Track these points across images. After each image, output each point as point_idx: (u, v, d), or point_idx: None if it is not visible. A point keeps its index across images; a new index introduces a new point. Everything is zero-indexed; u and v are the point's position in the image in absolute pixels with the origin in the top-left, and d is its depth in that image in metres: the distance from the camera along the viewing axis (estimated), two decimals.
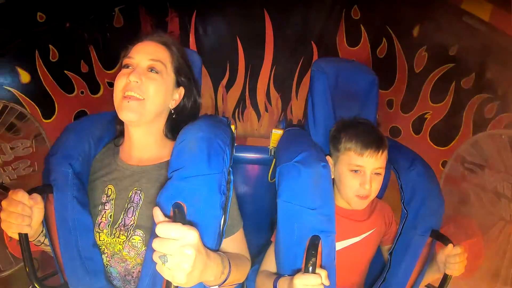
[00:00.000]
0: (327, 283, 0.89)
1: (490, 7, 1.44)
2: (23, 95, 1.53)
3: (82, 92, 1.77)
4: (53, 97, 1.65)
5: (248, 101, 2.19)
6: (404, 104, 1.91)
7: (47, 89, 1.63)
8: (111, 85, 1.85)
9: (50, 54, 1.61)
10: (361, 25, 2.02)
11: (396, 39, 1.90)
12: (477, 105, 1.57)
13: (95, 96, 1.84)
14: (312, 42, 2.11)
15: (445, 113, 1.73)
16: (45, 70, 1.60)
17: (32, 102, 1.57)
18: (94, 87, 1.83)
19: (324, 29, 2.07)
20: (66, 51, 1.67)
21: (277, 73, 2.17)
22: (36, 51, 1.56)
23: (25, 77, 1.54)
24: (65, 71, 1.70)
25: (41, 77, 1.59)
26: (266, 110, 2.20)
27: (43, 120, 1.62)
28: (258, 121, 2.21)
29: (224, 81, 2.17)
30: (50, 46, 1.61)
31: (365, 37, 2.03)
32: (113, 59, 1.86)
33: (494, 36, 1.45)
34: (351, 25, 2.03)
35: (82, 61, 1.77)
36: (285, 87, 2.18)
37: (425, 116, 1.81)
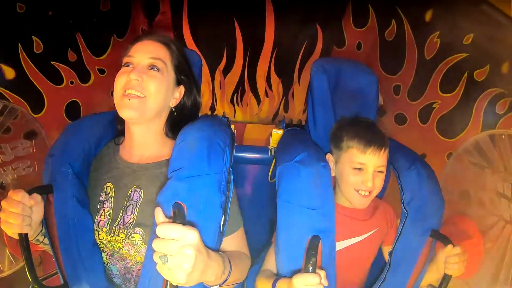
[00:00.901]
0: (326, 283, 0.91)
1: None
2: (9, 92, 1.46)
3: (71, 82, 1.69)
4: (41, 90, 1.57)
5: (247, 86, 2.11)
6: (411, 91, 1.83)
7: (34, 83, 1.55)
8: (102, 72, 1.77)
9: (34, 46, 1.51)
10: (369, 5, 1.88)
11: (406, 22, 1.78)
12: (489, 99, 1.50)
13: (86, 84, 1.75)
14: (316, 23, 1.97)
15: (455, 104, 1.65)
16: (30, 63, 1.51)
17: (20, 98, 1.50)
18: (84, 76, 1.75)
19: (330, 9, 1.93)
20: (51, 41, 1.56)
21: (279, 56, 2.06)
22: (19, 44, 1.46)
23: (9, 73, 1.46)
24: (52, 62, 1.61)
25: (26, 71, 1.50)
26: (266, 95, 2.12)
27: (33, 115, 1.56)
28: (258, 106, 2.14)
29: (221, 65, 2.06)
30: (34, 37, 1.50)
31: (373, 18, 1.90)
32: (102, 45, 1.78)
33: None
34: (359, 5, 1.90)
35: (69, 49, 1.67)
36: (286, 72, 2.09)
37: (433, 106, 1.73)
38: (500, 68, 1.44)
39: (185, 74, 1.11)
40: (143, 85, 0.98)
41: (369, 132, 1.20)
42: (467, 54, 1.56)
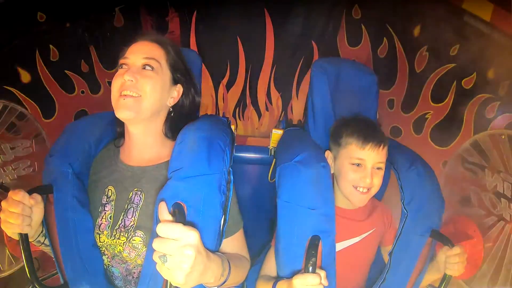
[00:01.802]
0: (326, 283, 0.90)
1: (491, 7, 1.43)
2: (23, 95, 1.53)
3: (82, 92, 1.77)
4: (53, 96, 1.65)
5: (248, 100, 2.18)
6: (405, 104, 1.90)
7: (48, 89, 1.63)
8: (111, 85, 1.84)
9: (51, 54, 1.61)
10: (362, 24, 2.00)
11: (397, 38, 1.89)
12: (478, 105, 1.56)
13: (96, 95, 1.83)
14: (312, 41, 2.10)
15: (446, 113, 1.72)
16: (46, 70, 1.60)
17: (33, 102, 1.57)
18: (94, 87, 1.83)
19: (325, 29, 2.05)
20: (67, 51, 1.66)
21: (278, 72, 2.15)
22: (37, 51, 1.56)
23: (25, 77, 1.54)
24: (66, 71, 1.70)
25: (41, 76, 1.59)
26: (267, 109, 2.19)
27: (44, 119, 1.62)
28: (259, 120, 2.20)
29: (225, 80, 2.16)
30: (51, 46, 1.60)
31: (366, 36, 2.01)
32: (114, 59, 1.80)
33: (495, 36, 1.45)
34: (352, 25, 2.02)
35: (82, 61, 1.76)
36: (285, 86, 2.17)
37: (426, 116, 1.80)
38: (486, 74, 1.52)
39: (181, 73, 1.10)
40: (138, 85, 0.98)
41: (368, 129, 1.21)
42: (454, 64, 1.65)
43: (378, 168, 1.19)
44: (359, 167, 1.18)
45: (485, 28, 1.47)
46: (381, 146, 1.17)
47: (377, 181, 1.19)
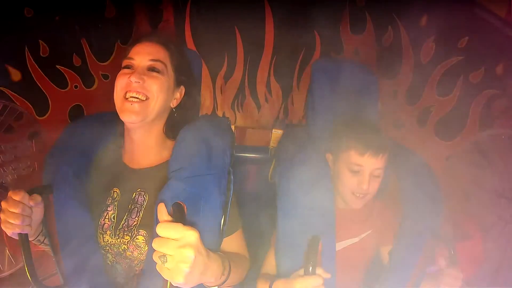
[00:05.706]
0: (327, 275, 0.93)
1: (507, 3, 1.36)
2: (15, 94, 1.49)
3: (76, 86, 1.72)
4: (46, 93, 1.60)
5: (247, 92, 2.12)
6: (409, 96, 1.85)
7: (40, 86, 1.58)
8: (105, 77, 1.80)
9: (41, 50, 1.55)
10: (366, 12, 1.93)
11: (402, 28, 1.82)
12: (485, 101, 1.52)
13: (90, 89, 1.78)
14: (314, 30, 2.01)
15: (451, 107, 1.67)
16: (36, 66, 1.54)
17: (25, 100, 1.52)
18: (88, 81, 1.77)
19: (327, 16, 1.96)
20: (57, 45, 1.60)
21: (278, 63, 2.08)
22: (26, 48, 1.50)
23: (15, 75, 1.49)
24: (57, 66, 1.64)
25: (32, 74, 1.54)
26: (266, 100, 2.14)
27: (38, 117, 1.58)
28: (258, 112, 2.16)
29: (223, 72, 2.09)
30: (40, 41, 1.54)
31: (370, 25, 1.94)
32: (107, 51, 1.81)
33: (507, 32, 1.38)
34: (356, 12, 1.94)
35: (74, 54, 1.70)
36: (286, 77, 2.10)
37: (431, 109, 1.76)
38: (494, 70, 1.47)
39: (185, 74, 1.10)
40: (145, 86, 0.98)
41: (369, 135, 1.19)
42: (462, 57, 1.59)
43: (376, 175, 1.19)
44: (357, 173, 1.17)
45: (497, 22, 1.40)
46: (381, 155, 1.16)
47: (374, 188, 1.19)
